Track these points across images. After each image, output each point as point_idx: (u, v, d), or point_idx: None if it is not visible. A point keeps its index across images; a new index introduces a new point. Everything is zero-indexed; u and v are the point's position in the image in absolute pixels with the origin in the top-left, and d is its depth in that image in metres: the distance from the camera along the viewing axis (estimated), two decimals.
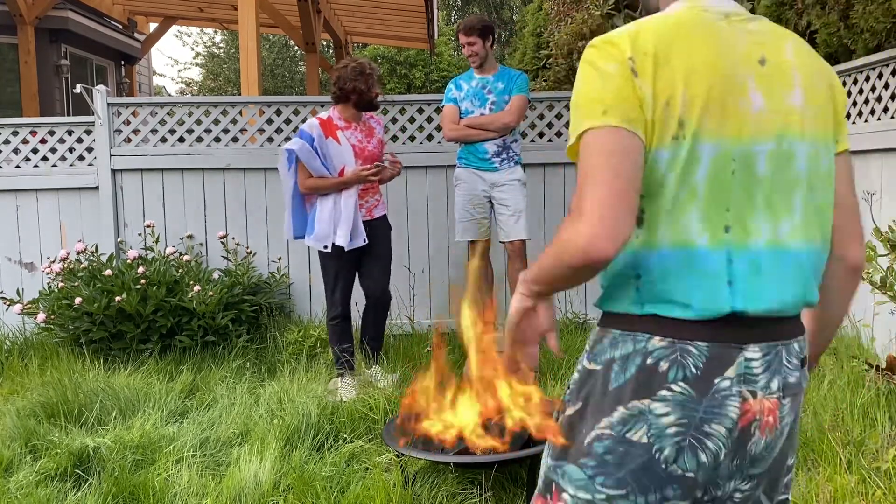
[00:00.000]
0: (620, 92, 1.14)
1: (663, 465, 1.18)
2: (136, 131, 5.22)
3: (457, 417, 2.42)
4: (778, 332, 1.20)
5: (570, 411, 1.26)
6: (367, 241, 3.95)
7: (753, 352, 1.17)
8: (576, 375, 1.29)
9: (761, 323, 1.19)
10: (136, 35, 11.37)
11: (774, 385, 1.19)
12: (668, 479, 1.18)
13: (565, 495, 1.25)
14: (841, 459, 2.76)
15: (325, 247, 3.92)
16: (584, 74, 1.19)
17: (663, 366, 1.17)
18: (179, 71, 37.48)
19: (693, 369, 1.16)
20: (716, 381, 1.16)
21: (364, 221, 4.00)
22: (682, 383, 1.16)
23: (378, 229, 4.12)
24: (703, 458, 1.17)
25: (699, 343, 1.16)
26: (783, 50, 1.23)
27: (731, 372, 1.16)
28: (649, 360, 1.17)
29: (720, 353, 1.16)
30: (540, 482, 1.32)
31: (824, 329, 1.40)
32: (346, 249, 3.89)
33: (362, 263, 4.08)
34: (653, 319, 1.18)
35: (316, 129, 3.88)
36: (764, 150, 1.18)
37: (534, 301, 1.27)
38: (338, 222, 3.90)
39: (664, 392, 1.16)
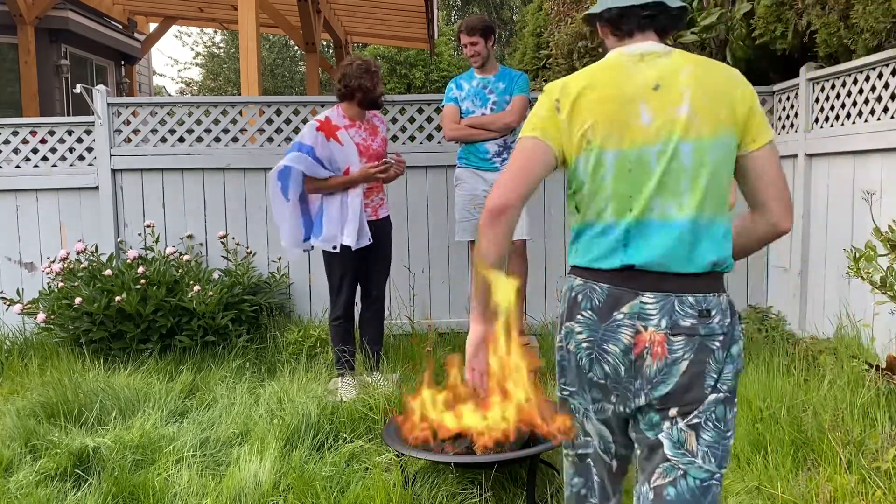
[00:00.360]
0: (545, 120, 1.72)
1: (585, 371, 1.71)
2: (136, 131, 5.22)
3: (460, 416, 2.55)
4: (669, 286, 1.64)
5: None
6: (371, 241, 3.95)
7: (648, 298, 1.64)
8: None
9: (653, 277, 1.64)
10: (136, 35, 11.37)
11: (663, 324, 1.62)
12: (591, 383, 1.71)
13: (557, 393, 1.84)
14: (841, 459, 2.76)
15: (334, 247, 3.90)
16: (534, 106, 1.78)
17: (579, 297, 1.70)
18: (179, 71, 37.49)
19: (597, 302, 1.67)
20: (613, 313, 1.65)
21: (369, 221, 3.99)
22: (589, 311, 1.68)
23: (382, 229, 4.11)
24: (607, 369, 1.67)
25: (602, 284, 1.67)
26: (679, 75, 1.67)
27: (626, 308, 1.64)
28: (572, 294, 1.72)
29: (618, 294, 1.65)
30: None
31: (739, 250, 1.79)
32: (352, 249, 3.89)
33: (365, 263, 4.08)
34: (578, 268, 1.74)
35: (319, 138, 3.84)
36: (653, 151, 1.64)
37: (483, 325, 1.77)
38: (345, 222, 3.89)
39: (579, 316, 1.70)
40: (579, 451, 1.84)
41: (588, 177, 1.68)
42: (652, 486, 1.70)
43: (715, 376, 1.63)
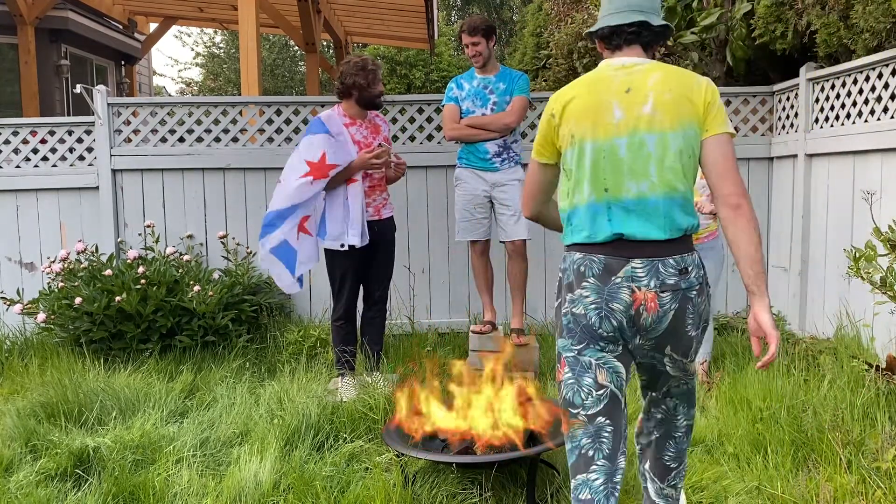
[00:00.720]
0: (541, 139, 2.21)
1: (594, 328, 2.06)
2: (136, 131, 5.23)
3: (462, 416, 2.70)
4: (652, 252, 2.01)
5: (556, 305, 2.19)
6: (368, 239, 3.94)
7: (637, 263, 2.01)
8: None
9: (639, 245, 2.01)
10: (136, 35, 11.36)
11: (652, 284, 2.01)
12: (599, 336, 2.07)
13: (562, 358, 2.15)
14: (841, 459, 2.77)
15: (342, 245, 3.90)
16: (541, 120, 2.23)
17: (582, 269, 2.07)
18: (179, 71, 37.34)
19: (597, 270, 2.04)
20: (612, 278, 2.03)
21: (372, 221, 3.99)
22: (592, 278, 2.05)
23: (385, 230, 4.10)
24: (613, 323, 2.04)
25: (598, 255, 2.05)
26: (647, 81, 2.05)
27: (621, 273, 2.02)
28: (575, 266, 2.09)
29: (612, 262, 2.03)
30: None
31: (740, 261, 2.03)
32: (356, 248, 3.88)
33: (368, 264, 4.07)
34: (576, 244, 2.11)
35: (316, 187, 3.80)
36: (622, 142, 2.04)
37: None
38: (348, 221, 3.88)
39: (585, 283, 2.06)
40: (590, 411, 2.09)
41: (574, 165, 2.09)
42: (660, 391, 2.28)
43: (693, 317, 2.06)
